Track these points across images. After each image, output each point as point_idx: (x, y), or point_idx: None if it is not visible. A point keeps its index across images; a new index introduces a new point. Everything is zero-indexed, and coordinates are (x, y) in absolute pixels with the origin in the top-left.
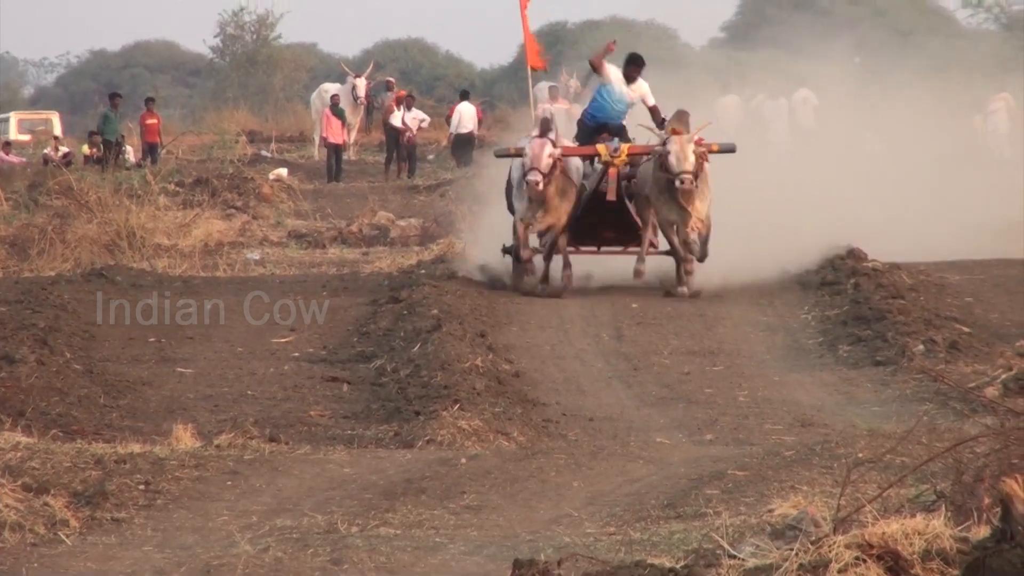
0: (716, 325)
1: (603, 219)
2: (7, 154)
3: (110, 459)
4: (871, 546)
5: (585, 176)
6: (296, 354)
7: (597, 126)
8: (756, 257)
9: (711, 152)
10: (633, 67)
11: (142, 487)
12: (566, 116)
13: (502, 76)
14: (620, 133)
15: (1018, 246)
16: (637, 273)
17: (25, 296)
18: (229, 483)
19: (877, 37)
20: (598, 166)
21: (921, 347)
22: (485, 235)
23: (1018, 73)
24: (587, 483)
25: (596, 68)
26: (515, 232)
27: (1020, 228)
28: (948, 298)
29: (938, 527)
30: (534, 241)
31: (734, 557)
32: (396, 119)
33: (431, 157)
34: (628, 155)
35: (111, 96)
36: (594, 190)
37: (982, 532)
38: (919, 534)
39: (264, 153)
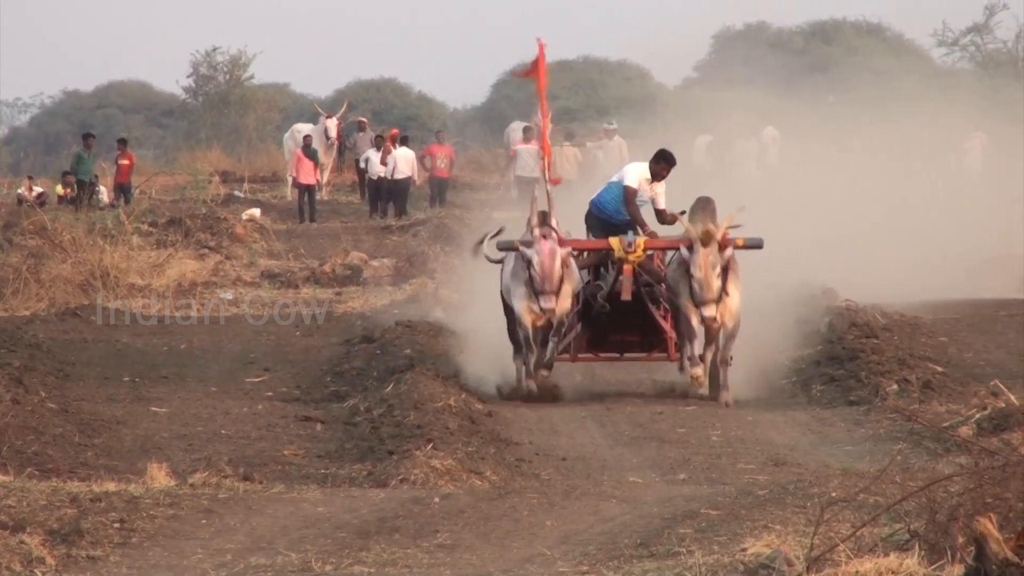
0: None
1: (623, 321)
2: (30, 191)
3: (85, 497)
4: None
5: (601, 276)
6: (270, 393)
7: (604, 221)
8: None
9: (736, 248)
10: (664, 165)
11: (117, 525)
12: (536, 160)
13: (475, 116)
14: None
15: (991, 284)
16: (696, 379)
17: (0, 335)
18: (203, 521)
19: (851, 77)
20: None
21: (895, 386)
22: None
23: (993, 112)
24: (560, 522)
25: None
26: (515, 316)
27: (993, 267)
28: (922, 337)
29: (912, 566)
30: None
31: None
32: (392, 160)
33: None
34: (647, 249)
35: (84, 136)
36: (610, 290)
37: (956, 571)
38: (893, 573)
39: (237, 193)
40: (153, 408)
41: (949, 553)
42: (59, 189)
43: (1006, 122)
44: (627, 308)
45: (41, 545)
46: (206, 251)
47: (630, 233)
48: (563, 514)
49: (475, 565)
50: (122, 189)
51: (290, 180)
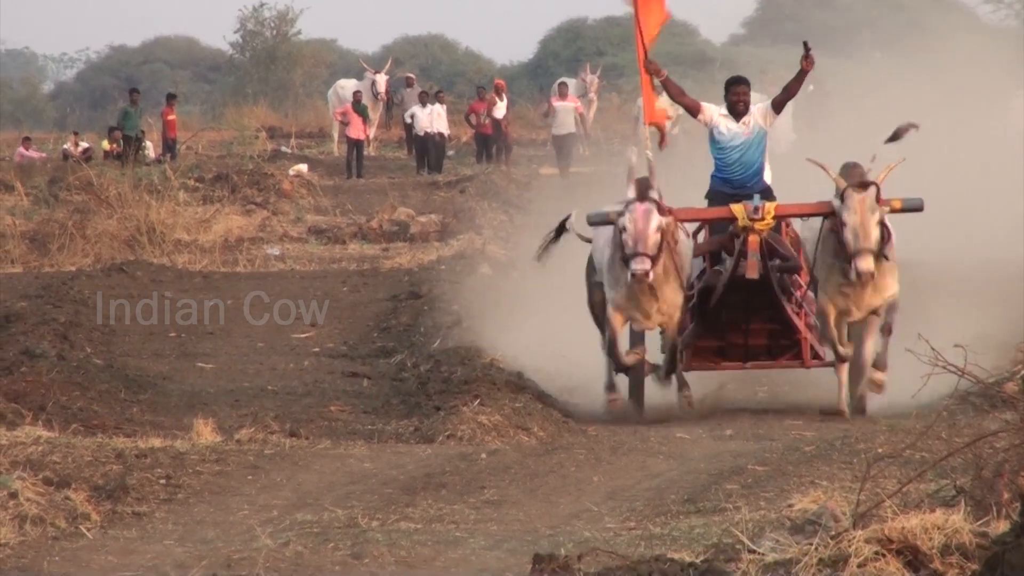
0: None
1: (747, 319)
2: (27, 149)
3: (131, 453)
4: (891, 541)
5: (721, 262)
6: (316, 349)
7: (733, 192)
8: None
9: (893, 211)
10: (733, 94)
11: (163, 481)
12: (574, 115)
13: (522, 72)
14: (766, 195)
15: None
16: (874, 383)
17: (46, 291)
18: (249, 478)
19: (898, 33)
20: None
21: (941, 343)
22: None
23: None
24: (607, 478)
25: (690, 109)
26: (607, 322)
27: None
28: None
29: (957, 522)
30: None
31: (754, 552)
32: (423, 118)
33: (451, 153)
34: (778, 217)
35: (131, 91)
36: (732, 272)
37: (1001, 527)
38: (938, 529)
39: (284, 149)
40: (199, 364)
41: (995, 509)
42: (105, 144)
43: None
44: (752, 301)
45: (86, 501)
46: (252, 207)
47: (757, 197)
48: (610, 470)
49: (522, 521)
50: (170, 145)
51: (336, 136)
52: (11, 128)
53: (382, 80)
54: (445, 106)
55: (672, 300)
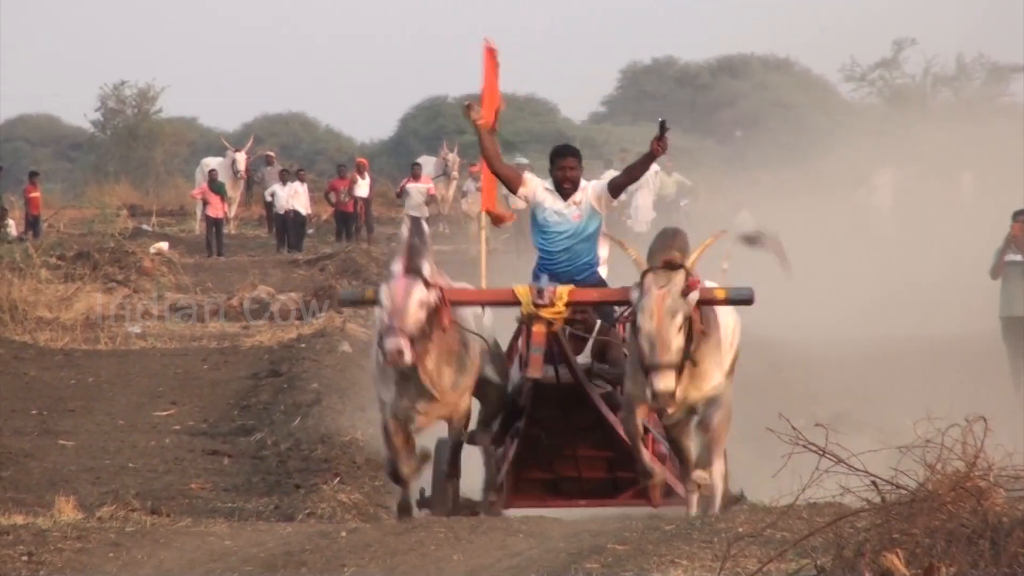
0: None
1: (573, 440)
2: None
3: None
4: None
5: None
6: (177, 427)
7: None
8: None
9: (714, 303)
10: (559, 168)
11: (24, 558)
12: (425, 196)
13: (383, 150)
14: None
15: (901, 321)
16: (696, 482)
17: None
18: (111, 555)
19: (759, 111)
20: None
21: (802, 422)
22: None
23: (900, 148)
24: (467, 557)
25: (508, 181)
26: (386, 435)
27: (899, 303)
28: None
29: None
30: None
31: None
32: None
33: (311, 231)
34: (572, 304)
35: None
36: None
37: None
38: None
39: (145, 227)
40: (61, 441)
41: None
42: None
43: (913, 158)
44: (571, 418)
45: None
46: (114, 285)
47: (545, 278)
48: (470, 548)
49: None
50: (32, 222)
51: (199, 213)
52: None
53: (242, 158)
54: (306, 184)
55: (451, 386)
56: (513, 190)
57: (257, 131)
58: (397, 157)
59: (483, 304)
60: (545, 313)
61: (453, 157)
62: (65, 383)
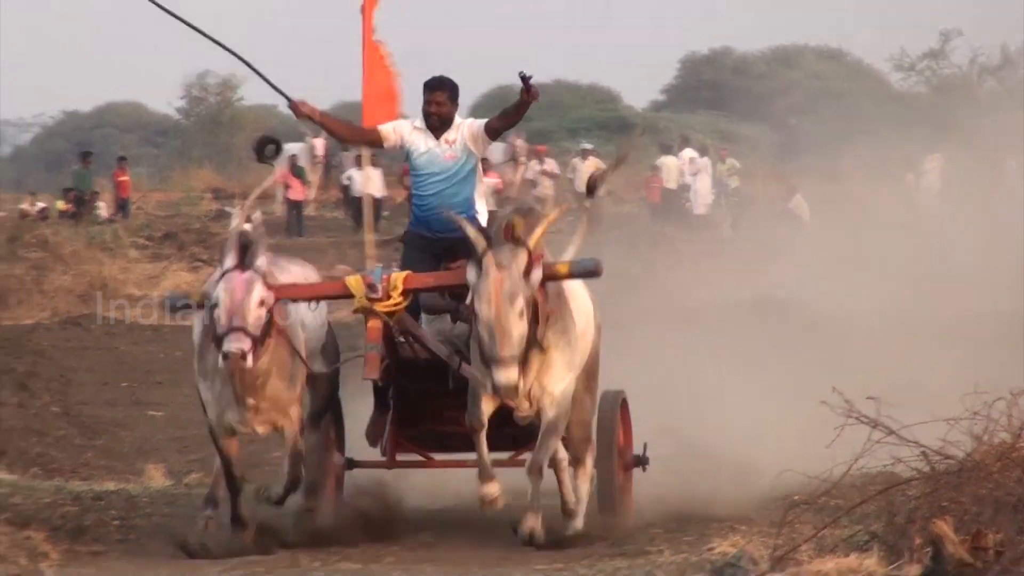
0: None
1: (440, 406)
2: None
3: (87, 496)
4: None
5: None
6: None
7: (434, 239)
8: None
9: (557, 278)
10: (430, 98)
11: (116, 522)
12: (491, 191)
13: None
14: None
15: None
16: (486, 500)
17: (5, 343)
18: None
19: (812, 100)
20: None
21: (854, 395)
22: None
23: (948, 134)
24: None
25: (370, 143)
26: (215, 441)
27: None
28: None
29: (871, 566)
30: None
31: None
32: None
33: (386, 213)
34: (409, 291)
35: (83, 155)
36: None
37: (913, 571)
38: (853, 572)
39: (228, 210)
40: (150, 412)
41: (907, 554)
42: (60, 204)
43: (960, 144)
44: (440, 387)
45: (46, 541)
46: (199, 264)
47: (378, 268)
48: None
49: (455, 562)
50: (121, 204)
51: (280, 196)
52: None
53: (320, 144)
54: (380, 169)
55: (283, 395)
56: (381, 145)
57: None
58: None
59: (313, 299)
60: (380, 307)
61: (520, 143)
62: (154, 357)
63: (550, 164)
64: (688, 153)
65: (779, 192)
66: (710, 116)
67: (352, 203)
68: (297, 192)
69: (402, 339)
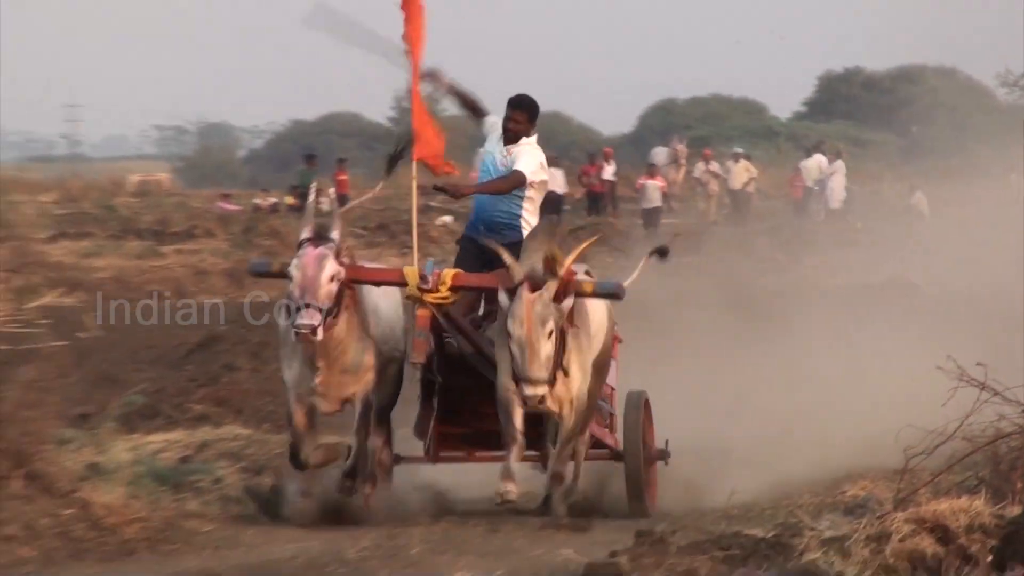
0: None
1: (481, 401)
2: (226, 203)
3: None
4: (925, 521)
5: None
6: None
7: (480, 244)
8: None
9: (582, 295)
10: (511, 114)
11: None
12: (659, 191)
13: (625, 142)
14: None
15: None
16: (502, 495)
17: (242, 317)
18: None
19: (930, 112)
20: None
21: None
22: None
23: None
24: None
25: (471, 109)
26: (288, 417)
27: None
28: None
29: (979, 506)
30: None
31: (813, 529)
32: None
33: (567, 208)
34: (456, 287)
35: (308, 156)
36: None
37: (1015, 510)
38: (964, 512)
39: (432, 204)
40: None
41: (1010, 496)
42: (288, 200)
43: None
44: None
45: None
46: (407, 250)
47: (430, 262)
48: None
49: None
50: (340, 200)
51: None
52: (213, 186)
53: None
54: (562, 169)
55: (362, 368)
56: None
57: None
58: (636, 147)
59: (374, 283)
60: (429, 298)
61: (682, 148)
62: None
63: (714, 166)
64: (819, 158)
65: (902, 190)
66: (844, 125)
67: None
68: None
69: (448, 337)
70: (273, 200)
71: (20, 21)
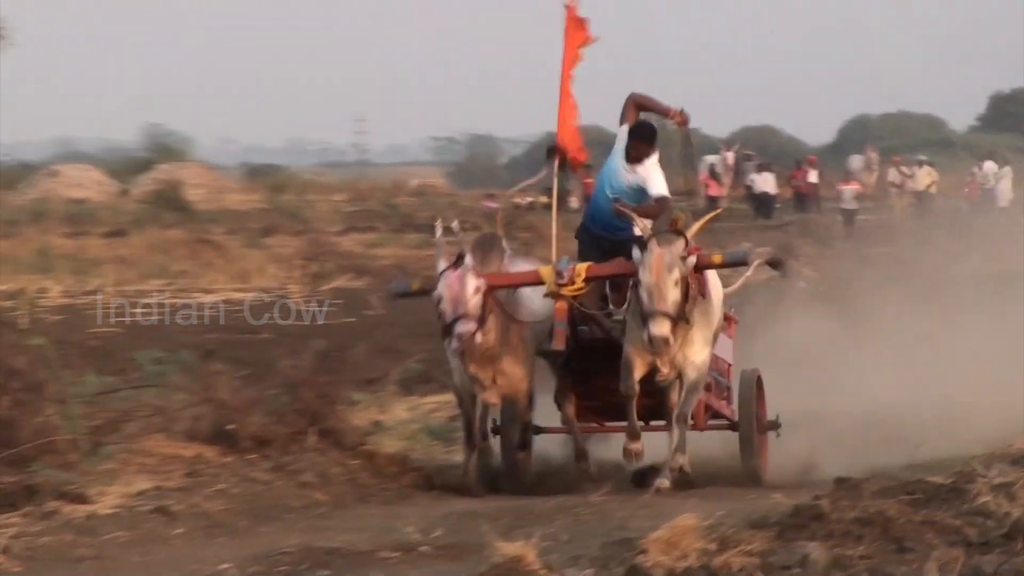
0: None
1: (611, 379)
2: (490, 201)
3: None
4: None
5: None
6: None
7: (598, 237)
8: None
9: (712, 266)
10: (639, 141)
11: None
12: (854, 194)
13: (826, 151)
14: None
15: None
16: (631, 453)
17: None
18: None
19: None
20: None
21: None
22: None
23: None
24: None
25: (633, 111)
26: (459, 403)
27: None
28: None
29: None
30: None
31: (984, 476)
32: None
33: (778, 206)
34: (590, 278)
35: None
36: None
37: None
38: None
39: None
40: None
41: None
42: (542, 199)
43: None
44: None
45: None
46: None
47: (564, 259)
48: None
49: None
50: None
51: (701, 193)
52: (479, 187)
53: (731, 156)
54: (773, 173)
55: (513, 368)
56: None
57: (741, 137)
58: (835, 155)
59: (515, 286)
60: (566, 291)
61: (874, 156)
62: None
63: (905, 170)
64: (990, 165)
65: None
66: (1011, 137)
67: (753, 199)
68: (714, 190)
69: (583, 326)
70: (529, 199)
71: (319, 48)
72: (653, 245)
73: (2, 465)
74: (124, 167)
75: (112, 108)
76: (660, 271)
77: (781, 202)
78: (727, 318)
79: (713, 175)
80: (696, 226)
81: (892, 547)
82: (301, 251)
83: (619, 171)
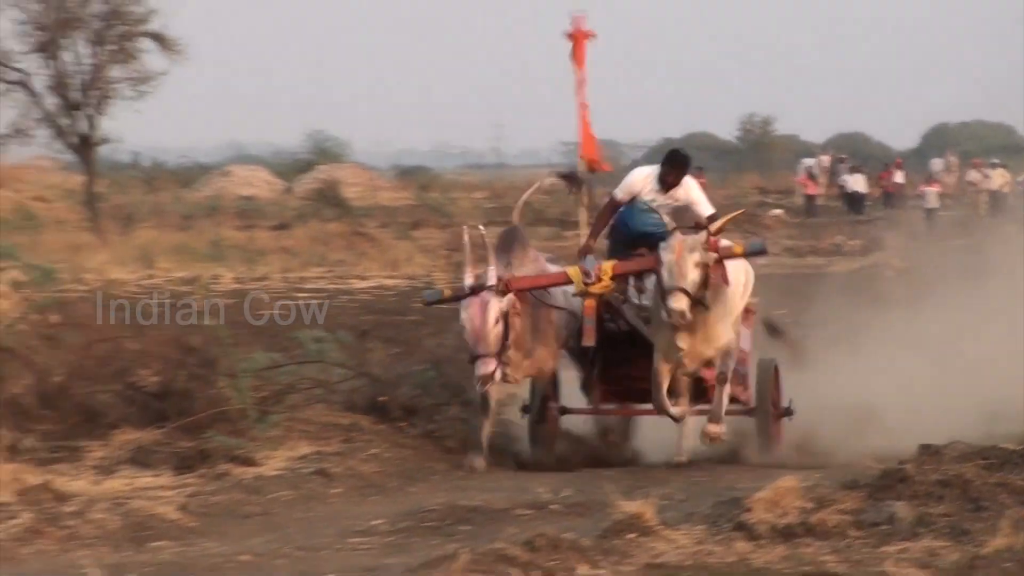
0: None
1: (634, 364)
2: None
3: None
4: None
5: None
6: None
7: (633, 237)
8: None
9: (734, 256)
10: (670, 170)
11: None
12: (935, 196)
13: (911, 155)
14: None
15: None
16: (708, 436)
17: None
18: None
19: None
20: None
21: None
22: None
23: None
24: None
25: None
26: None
27: None
28: None
29: None
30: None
31: None
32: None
33: (868, 204)
34: (616, 275)
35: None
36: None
37: None
38: None
39: (767, 200)
40: None
41: None
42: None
43: None
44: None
45: None
46: (749, 235)
47: (590, 259)
48: None
49: None
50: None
51: (799, 192)
52: (603, 188)
53: (826, 159)
54: (864, 175)
55: (540, 349)
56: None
57: (835, 143)
58: (919, 158)
59: (544, 287)
60: (594, 289)
61: (954, 160)
62: None
63: (985, 171)
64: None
65: None
66: None
67: (845, 197)
68: (811, 189)
69: (608, 317)
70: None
71: (462, 61)
72: (676, 233)
73: (180, 432)
74: (288, 168)
75: (278, 115)
76: (681, 250)
77: (871, 200)
78: (747, 310)
79: (811, 176)
80: (719, 222)
81: (970, 506)
82: (445, 242)
83: (657, 202)
